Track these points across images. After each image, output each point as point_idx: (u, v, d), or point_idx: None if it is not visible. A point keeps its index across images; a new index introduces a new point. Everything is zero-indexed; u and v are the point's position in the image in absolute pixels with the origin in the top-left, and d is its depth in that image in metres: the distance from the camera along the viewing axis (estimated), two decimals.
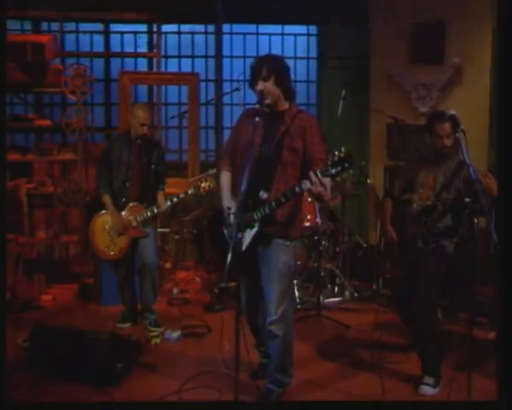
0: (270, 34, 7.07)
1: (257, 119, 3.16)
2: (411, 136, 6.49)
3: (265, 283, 3.31)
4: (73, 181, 5.82)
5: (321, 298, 5.12)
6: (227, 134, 7.06)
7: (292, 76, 6.89)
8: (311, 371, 3.92)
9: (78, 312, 5.13)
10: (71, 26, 6.76)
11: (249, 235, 3.25)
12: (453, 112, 3.67)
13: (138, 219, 4.50)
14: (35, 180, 5.93)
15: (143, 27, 6.88)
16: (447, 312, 4.64)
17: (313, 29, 7.12)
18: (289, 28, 7.09)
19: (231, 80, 6.99)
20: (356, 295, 5.48)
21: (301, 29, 7.13)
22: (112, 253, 4.57)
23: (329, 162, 2.93)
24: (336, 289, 5.60)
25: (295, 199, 3.26)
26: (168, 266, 5.98)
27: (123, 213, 4.54)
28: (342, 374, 3.94)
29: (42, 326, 3.76)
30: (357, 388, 3.71)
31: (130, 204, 4.55)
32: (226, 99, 6.83)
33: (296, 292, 5.29)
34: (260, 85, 3.20)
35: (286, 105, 3.33)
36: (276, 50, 7.08)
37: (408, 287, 3.73)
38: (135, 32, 6.92)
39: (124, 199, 4.57)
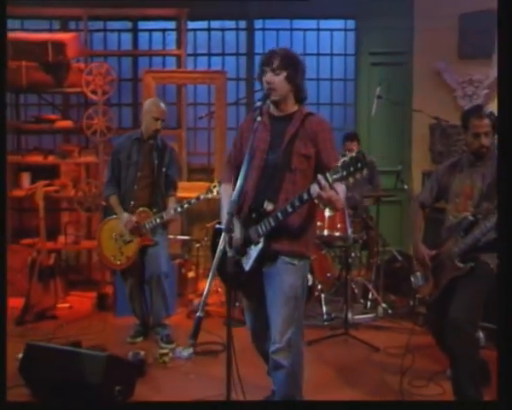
0: (304, 30, 6.68)
1: (258, 118, 2.77)
2: (456, 138, 6.00)
3: (269, 307, 2.92)
4: (94, 184, 5.60)
5: (350, 315, 4.70)
6: None
7: (328, 74, 6.66)
8: (330, 399, 3.51)
9: (93, 322, 4.88)
10: (98, 24, 6.60)
11: (253, 252, 2.87)
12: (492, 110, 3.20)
13: (147, 226, 4.21)
14: (57, 183, 5.75)
15: (172, 25, 6.64)
16: (491, 335, 4.14)
17: (351, 23, 6.68)
18: (325, 23, 6.69)
19: None
20: (390, 311, 5.01)
21: (338, 24, 6.71)
22: (118, 262, 4.31)
23: (340, 164, 2.54)
24: (368, 304, 5.15)
25: (307, 210, 2.87)
26: (191, 275, 5.68)
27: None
28: None
29: (35, 344, 3.49)
30: None
31: (139, 210, 4.27)
32: (258, 97, 6.48)
33: (324, 307, 4.89)
34: (269, 76, 2.83)
35: (295, 107, 2.95)
36: (312, 47, 6.71)
37: (443, 310, 3.26)
38: (163, 30, 6.68)
39: (132, 202, 4.30)
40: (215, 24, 6.67)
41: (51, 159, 5.73)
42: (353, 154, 2.52)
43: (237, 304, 4.92)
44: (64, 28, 6.48)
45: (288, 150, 2.86)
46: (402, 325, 4.78)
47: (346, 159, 2.53)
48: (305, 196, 2.70)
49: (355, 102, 6.71)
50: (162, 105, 4.34)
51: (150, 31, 6.68)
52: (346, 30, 6.71)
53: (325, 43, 6.71)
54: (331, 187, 2.59)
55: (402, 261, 5.49)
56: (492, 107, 5.78)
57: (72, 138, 6.48)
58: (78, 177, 6.04)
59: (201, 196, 4.22)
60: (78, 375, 3.21)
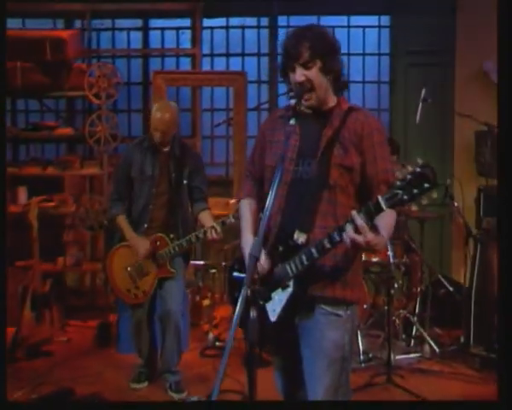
0: (334, 27, 5.96)
1: (291, 121, 2.08)
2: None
3: (307, 371, 2.22)
4: (97, 200, 4.96)
5: (392, 355, 3.97)
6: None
7: (360, 77, 5.97)
8: None
9: (91, 361, 4.23)
10: (107, 22, 6.00)
11: (281, 298, 2.17)
12: None
13: (164, 256, 3.54)
14: (56, 198, 5.11)
15: (187, 22, 6.01)
16: None
17: (385, 20, 5.99)
18: (357, 19, 6.01)
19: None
20: (438, 350, 4.27)
21: (371, 20, 6.02)
22: (134, 296, 3.66)
23: (398, 183, 1.85)
24: (412, 341, 4.42)
25: None
26: (207, 303, 5.00)
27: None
28: None
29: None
30: None
31: (155, 237, 3.58)
32: (281, 102, 5.82)
33: (360, 345, 4.17)
34: (299, 75, 2.13)
35: (333, 100, 2.24)
36: (342, 46, 5.97)
37: None
38: (177, 28, 6.05)
39: (145, 225, 3.61)
40: (234, 21, 6.02)
41: (50, 170, 5.10)
42: (417, 169, 1.83)
43: None
44: (69, 27, 5.88)
45: (324, 160, 2.14)
46: (455, 369, 4.04)
47: (408, 176, 1.84)
48: (336, 238, 2.00)
49: (390, 107, 6.01)
50: (161, 113, 3.55)
51: (162, 29, 6.05)
52: (380, 27, 6.01)
53: (357, 41, 6.01)
54: (372, 227, 1.91)
55: (448, 287, 4.77)
56: None
57: (77, 148, 5.87)
58: (80, 191, 5.42)
59: (216, 227, 3.49)
60: None
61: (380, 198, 1.88)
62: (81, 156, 5.26)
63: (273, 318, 2.21)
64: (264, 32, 6.03)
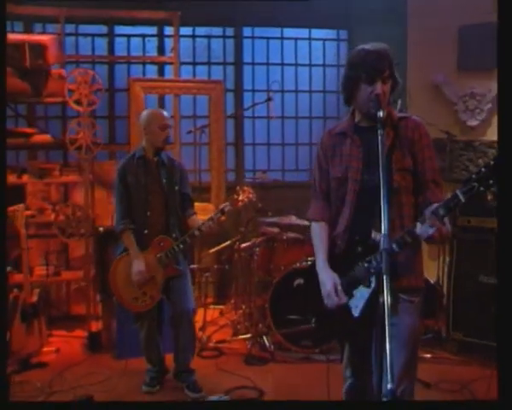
0: (296, 39, 6.30)
1: (380, 131, 2.24)
2: (459, 152, 5.80)
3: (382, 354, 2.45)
4: (78, 208, 4.89)
5: None
6: (249, 151, 6.26)
7: (321, 86, 6.29)
8: None
9: (91, 369, 4.19)
10: (69, 27, 5.90)
11: (364, 294, 2.39)
12: None
13: (169, 254, 3.63)
14: (31, 206, 4.98)
15: (153, 30, 6.06)
16: None
17: (344, 33, 6.36)
18: (317, 32, 6.33)
19: (253, 90, 6.20)
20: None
21: (330, 33, 6.37)
22: (142, 304, 3.68)
23: (474, 176, 2.09)
24: None
25: None
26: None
27: (148, 254, 3.67)
28: None
29: None
30: None
31: (158, 238, 3.67)
32: (247, 112, 6.03)
33: None
34: (380, 88, 2.36)
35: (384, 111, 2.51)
36: (304, 57, 6.32)
37: None
38: (143, 36, 6.08)
39: (146, 231, 3.70)
40: (200, 31, 6.15)
41: (26, 178, 4.96)
42: (491, 162, 2.08)
43: (259, 339, 4.44)
44: (28, 32, 5.72)
45: (387, 166, 2.34)
46: (435, 354, 4.43)
47: (482, 169, 2.09)
48: (417, 232, 2.23)
49: None
50: (164, 112, 3.83)
51: (128, 36, 6.05)
52: (338, 40, 6.38)
53: (317, 53, 6.35)
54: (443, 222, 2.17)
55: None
56: (495, 122, 5.72)
57: (40, 155, 5.72)
58: (50, 198, 5.30)
59: (225, 208, 3.66)
60: None
61: (458, 192, 2.11)
62: (60, 164, 5.14)
63: (356, 313, 2.42)
64: (230, 42, 6.20)
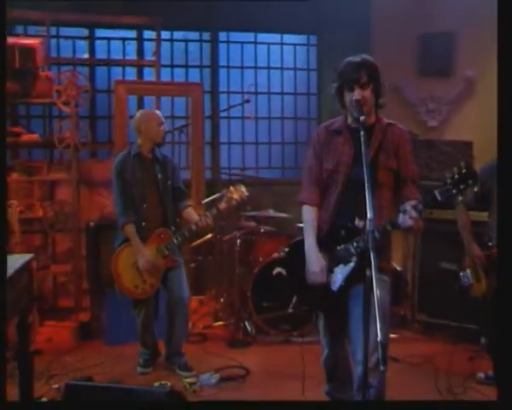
0: (268, 43, 6.65)
1: (362, 132, 2.61)
2: (420, 151, 6.25)
3: (357, 325, 2.83)
4: (66, 204, 5.14)
5: None
6: (224, 150, 6.58)
7: (292, 88, 6.66)
8: None
9: (85, 354, 4.44)
10: (51, 30, 6.09)
11: (343, 271, 2.79)
12: None
13: (169, 246, 3.93)
14: (19, 203, 5.17)
15: (132, 34, 6.31)
16: None
17: (313, 39, 6.75)
18: (289, 38, 6.70)
19: (228, 92, 6.53)
20: None
21: (301, 39, 6.75)
22: (142, 291, 3.97)
23: (449, 181, 2.50)
24: None
25: None
26: None
27: (148, 245, 3.95)
28: None
29: (75, 384, 3.11)
30: None
31: (158, 230, 3.97)
32: (223, 113, 6.37)
33: None
34: (358, 94, 2.75)
35: (374, 117, 2.90)
36: (276, 61, 6.68)
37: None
38: (123, 39, 6.32)
39: (144, 223, 3.99)
40: (178, 35, 6.43)
41: (15, 176, 5.16)
42: (463, 170, 2.46)
43: (241, 324, 4.77)
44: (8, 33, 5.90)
45: (373, 165, 2.75)
46: (402, 335, 4.85)
47: (456, 175, 2.48)
48: (397, 223, 2.64)
49: (318, 116, 6.78)
50: (158, 117, 4.14)
51: (109, 39, 6.29)
52: (308, 45, 6.76)
53: (289, 57, 6.71)
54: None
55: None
56: (456, 121, 6.20)
57: (24, 153, 5.91)
58: (34, 196, 5.51)
59: (221, 206, 3.96)
60: None
61: (436, 192, 2.51)
62: (48, 162, 5.36)
63: (334, 288, 2.82)
64: (206, 46, 6.51)
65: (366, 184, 2.44)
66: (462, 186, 2.47)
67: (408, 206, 2.59)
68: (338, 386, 3.21)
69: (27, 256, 3.02)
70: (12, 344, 3.49)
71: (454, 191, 2.49)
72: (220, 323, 5.05)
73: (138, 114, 4.21)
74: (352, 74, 2.76)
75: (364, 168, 2.50)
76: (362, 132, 2.63)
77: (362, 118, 2.68)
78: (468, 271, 3.60)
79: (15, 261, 2.81)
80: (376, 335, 2.73)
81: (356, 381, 2.91)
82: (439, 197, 2.52)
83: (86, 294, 5.20)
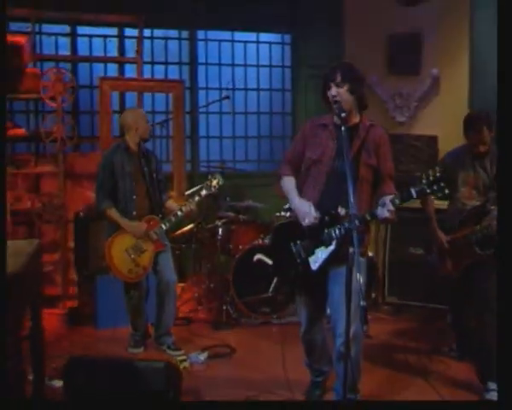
0: (245, 42, 6.93)
1: (343, 128, 2.95)
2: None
3: (336, 302, 3.15)
4: (54, 196, 5.34)
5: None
6: (203, 144, 6.84)
7: (268, 84, 6.97)
8: None
9: (75, 338, 4.67)
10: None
11: (324, 254, 3.12)
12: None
13: (157, 231, 4.20)
14: (9, 195, 5.36)
15: (113, 31, 6.51)
16: None
17: (287, 38, 7.05)
18: (264, 36, 6.98)
19: (207, 88, 6.78)
20: None
21: (276, 37, 7.04)
22: (135, 275, 4.23)
23: (424, 181, 2.84)
24: None
25: None
26: None
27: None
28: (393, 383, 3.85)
29: (79, 359, 3.36)
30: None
31: (147, 218, 4.24)
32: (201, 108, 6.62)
33: None
34: (334, 91, 3.08)
35: (358, 117, 3.22)
36: (252, 58, 6.96)
37: (468, 287, 3.70)
38: (105, 36, 6.51)
39: (134, 212, 4.25)
40: (158, 33, 6.65)
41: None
42: (437, 173, 2.80)
43: (225, 308, 5.06)
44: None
45: (355, 161, 3.09)
46: (374, 316, 5.21)
47: (431, 177, 2.80)
48: (376, 213, 3.00)
49: (292, 111, 7.09)
50: (143, 115, 4.45)
51: (90, 36, 6.47)
52: (283, 43, 7.06)
53: (264, 55, 7.00)
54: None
55: None
56: (422, 117, 6.59)
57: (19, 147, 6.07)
58: (16, 188, 5.67)
59: (202, 193, 4.27)
60: (136, 385, 3.17)
61: (412, 189, 2.85)
62: (35, 155, 5.54)
63: (314, 267, 3.14)
64: (185, 44, 6.74)
65: (348, 177, 2.76)
66: (435, 187, 2.82)
67: (386, 200, 2.95)
68: (316, 359, 3.56)
69: (34, 241, 3.22)
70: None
71: (428, 191, 2.84)
72: (203, 307, 5.32)
73: (127, 112, 4.49)
74: (329, 75, 3.12)
75: (346, 161, 2.83)
76: (343, 128, 2.95)
77: (343, 114, 3.01)
78: (435, 254, 3.93)
79: (24, 247, 3.00)
80: (356, 307, 3.11)
81: (335, 353, 3.24)
82: (414, 195, 2.88)
83: (73, 283, 5.40)
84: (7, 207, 4.76)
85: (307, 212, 3.12)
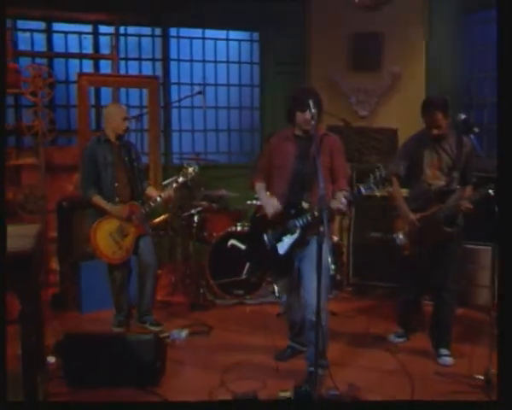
0: (215, 39, 7.25)
1: (316, 140, 3.51)
2: (352, 137, 7.04)
3: (308, 279, 3.56)
4: (35, 187, 5.58)
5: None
6: (176, 137, 7.14)
7: (237, 80, 7.32)
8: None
9: (60, 322, 4.94)
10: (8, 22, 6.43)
11: (289, 240, 3.65)
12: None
13: (138, 216, 4.52)
14: None
15: (88, 28, 6.74)
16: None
17: (256, 35, 7.40)
18: (234, 34, 7.31)
19: (179, 83, 7.08)
20: None
21: (245, 35, 7.38)
22: (119, 256, 4.53)
23: (372, 180, 3.39)
24: None
25: None
26: None
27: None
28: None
29: (74, 335, 3.66)
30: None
31: (128, 204, 4.56)
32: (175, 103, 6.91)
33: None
34: (308, 115, 3.53)
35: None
36: (222, 55, 7.29)
37: (432, 264, 4.06)
38: (80, 33, 6.74)
39: (117, 199, 4.57)
40: (132, 30, 6.91)
41: None
42: (382, 173, 3.38)
43: (201, 291, 5.40)
44: None
45: (314, 162, 3.51)
46: (336, 296, 5.62)
47: (377, 175, 3.36)
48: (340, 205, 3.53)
49: (260, 105, 7.45)
50: (122, 105, 4.78)
51: (65, 33, 6.68)
52: (252, 41, 7.41)
53: (234, 52, 7.34)
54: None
55: None
56: (383, 112, 7.03)
57: None
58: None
59: (179, 180, 4.59)
60: (127, 357, 3.49)
61: (361, 187, 3.44)
62: (16, 148, 5.76)
63: (282, 251, 3.68)
64: (158, 41, 7.02)
65: (318, 176, 3.24)
66: (380, 186, 3.42)
67: (339, 195, 3.52)
68: (297, 332, 4.07)
69: (35, 226, 3.47)
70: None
71: (374, 188, 3.42)
72: (180, 291, 5.65)
73: (108, 106, 4.82)
74: (303, 101, 3.57)
75: (317, 163, 3.32)
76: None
77: (312, 131, 3.56)
78: (401, 234, 4.23)
79: (30, 230, 3.23)
80: (324, 284, 3.52)
81: (307, 322, 3.65)
82: (363, 191, 3.46)
83: (53, 271, 5.65)
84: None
85: (273, 205, 3.69)
